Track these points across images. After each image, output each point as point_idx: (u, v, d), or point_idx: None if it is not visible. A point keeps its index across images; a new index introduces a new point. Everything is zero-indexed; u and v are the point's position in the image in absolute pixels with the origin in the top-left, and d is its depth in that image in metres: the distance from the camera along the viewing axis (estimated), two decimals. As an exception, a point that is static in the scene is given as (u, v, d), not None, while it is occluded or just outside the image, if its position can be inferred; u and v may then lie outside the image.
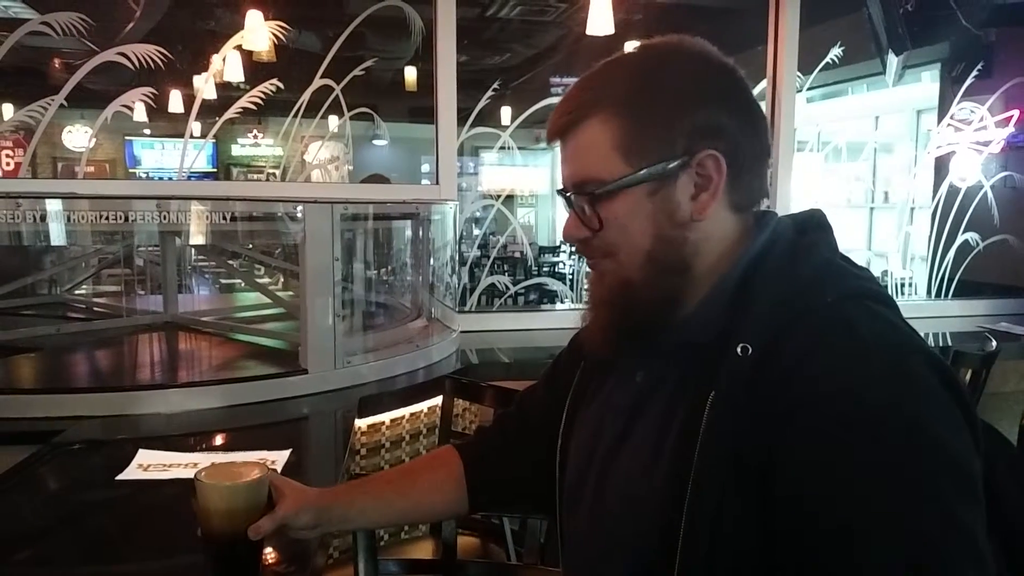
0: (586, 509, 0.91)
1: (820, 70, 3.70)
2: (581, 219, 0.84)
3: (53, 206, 2.05)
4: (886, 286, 3.85)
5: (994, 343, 2.46)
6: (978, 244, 3.78)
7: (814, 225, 0.83)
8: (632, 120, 0.80)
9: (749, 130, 0.81)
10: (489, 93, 3.35)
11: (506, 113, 6.67)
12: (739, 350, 0.73)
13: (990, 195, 3.78)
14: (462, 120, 3.17)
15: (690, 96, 0.80)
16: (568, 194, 0.84)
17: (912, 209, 4.04)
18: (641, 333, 0.85)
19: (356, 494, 1.12)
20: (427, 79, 3.18)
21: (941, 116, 4.10)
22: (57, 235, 2.09)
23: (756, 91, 3.52)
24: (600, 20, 3.38)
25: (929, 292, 3.89)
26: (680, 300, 0.83)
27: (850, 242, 7.53)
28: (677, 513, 0.74)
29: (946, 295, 3.83)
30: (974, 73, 3.87)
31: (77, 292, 3.65)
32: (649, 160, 0.79)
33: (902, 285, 3.96)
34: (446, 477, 1.11)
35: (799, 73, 3.47)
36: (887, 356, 0.70)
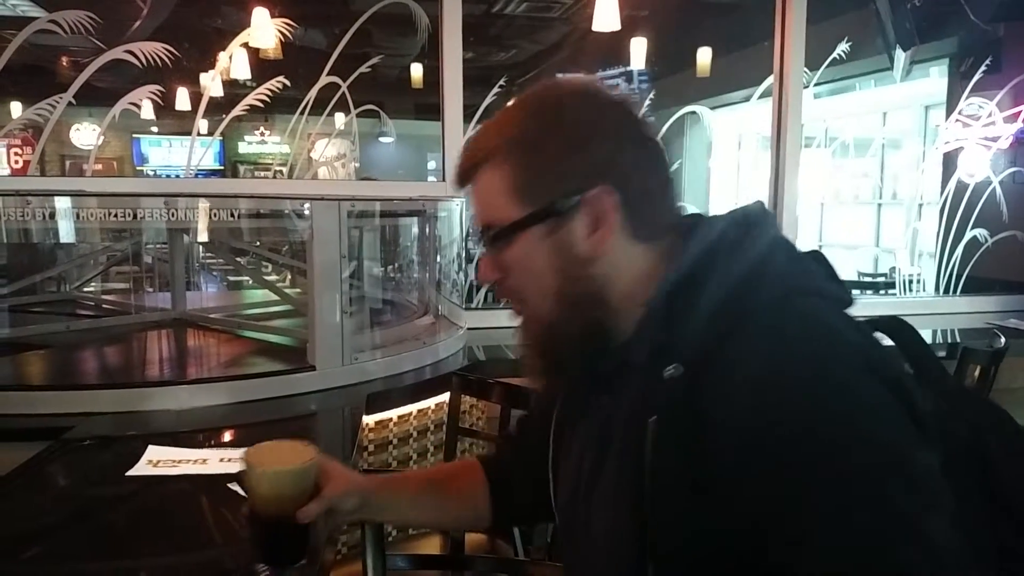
0: (576, 537, 0.92)
1: (827, 66, 3.69)
2: (490, 262, 0.86)
3: (62, 204, 2.06)
4: (892, 282, 3.86)
5: (1003, 340, 2.44)
6: (987, 240, 3.77)
7: (744, 224, 0.82)
8: (524, 163, 0.81)
9: (643, 163, 0.82)
10: (495, 90, 3.35)
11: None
12: (671, 370, 0.74)
13: (999, 191, 3.77)
14: (468, 117, 3.17)
15: (579, 136, 0.80)
16: (477, 238, 0.87)
17: (920, 205, 4.03)
18: (574, 368, 0.87)
19: (397, 488, 1.13)
20: (433, 76, 3.18)
21: (949, 112, 4.08)
22: (66, 232, 2.10)
23: (763, 87, 3.55)
24: (606, 16, 3.38)
25: (937, 288, 3.88)
26: (605, 329, 0.84)
27: (858, 238, 7.52)
28: (644, 541, 0.74)
29: (955, 291, 3.82)
30: (982, 68, 3.84)
31: (86, 289, 3.66)
32: (542, 201, 0.80)
33: (910, 282, 3.95)
34: (473, 492, 1.12)
35: (806, 69, 3.46)
36: (820, 364, 0.69)
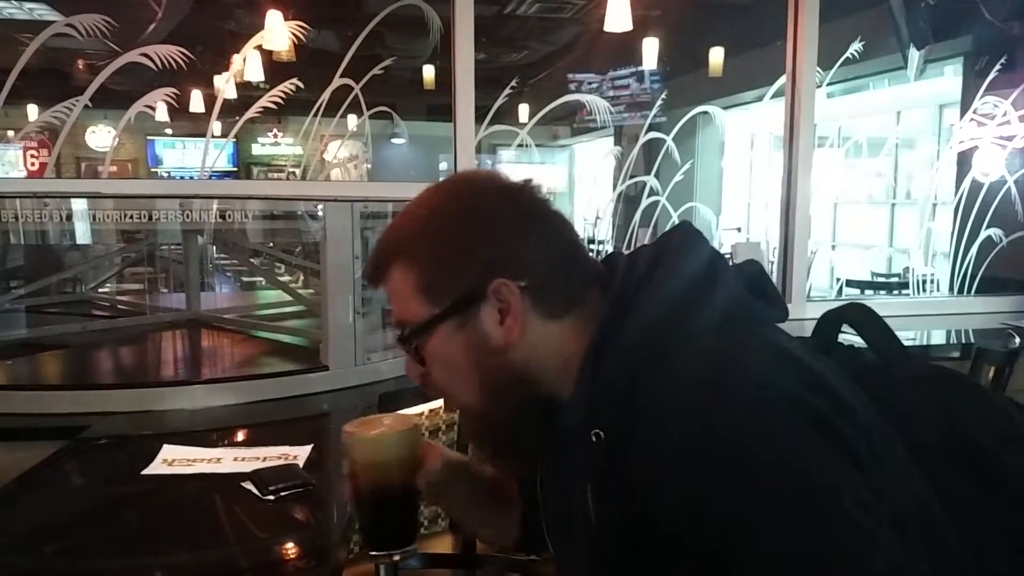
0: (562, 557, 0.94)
1: (840, 65, 3.67)
2: (410, 360, 0.87)
3: (79, 205, 2.08)
4: (906, 283, 3.84)
5: (1018, 340, 2.43)
6: (1001, 240, 3.74)
7: (653, 262, 0.80)
8: (424, 262, 0.82)
9: (543, 249, 0.82)
10: (507, 91, 3.36)
11: (524, 111, 6.67)
12: (593, 437, 0.74)
13: (1014, 190, 3.74)
14: (480, 118, 3.18)
15: (471, 233, 0.81)
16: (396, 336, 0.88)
17: (934, 205, 4.01)
18: (523, 446, 0.88)
19: (470, 477, 1.09)
20: (445, 77, 3.19)
21: (964, 110, 4.06)
22: (82, 234, 2.12)
23: (775, 87, 3.54)
24: (618, 16, 3.38)
25: (952, 289, 3.85)
26: (542, 404, 0.84)
27: (872, 239, 7.48)
28: None
29: (969, 291, 3.79)
30: (997, 67, 3.82)
31: (101, 290, 3.70)
32: (447, 298, 0.81)
33: (924, 282, 3.93)
34: (514, 510, 1.10)
35: (819, 68, 3.44)
36: (720, 409, 0.67)
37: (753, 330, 0.77)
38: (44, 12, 6.11)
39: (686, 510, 0.66)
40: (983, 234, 3.76)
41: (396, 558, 0.94)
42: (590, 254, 0.87)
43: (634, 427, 0.70)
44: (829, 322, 0.87)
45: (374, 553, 0.94)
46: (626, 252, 0.86)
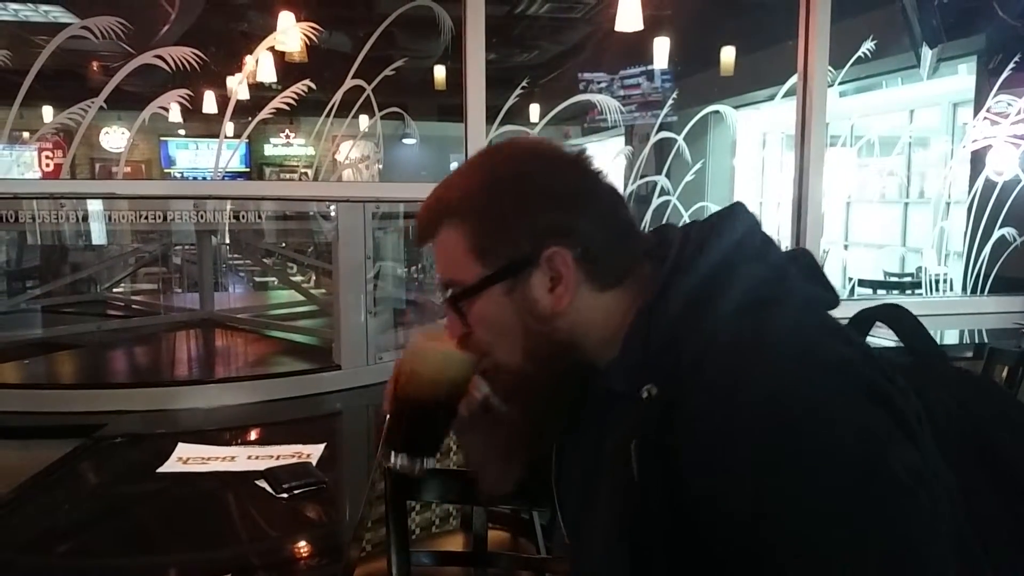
0: (579, 564, 0.93)
1: (852, 64, 3.66)
2: (455, 319, 0.87)
3: (94, 206, 2.11)
4: (919, 282, 3.81)
5: (1031, 340, 2.42)
6: (1015, 239, 3.71)
7: (707, 235, 0.80)
8: (480, 223, 0.82)
9: (598, 219, 0.82)
10: (518, 91, 3.36)
11: (535, 110, 6.68)
12: (644, 393, 0.74)
13: (1028, 189, 3.71)
14: (491, 118, 3.18)
15: (530, 197, 0.81)
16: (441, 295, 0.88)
17: (948, 204, 3.98)
18: (556, 412, 0.88)
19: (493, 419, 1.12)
20: (456, 77, 3.20)
21: (977, 109, 4.03)
22: (98, 235, 2.15)
23: (787, 86, 3.53)
24: (629, 16, 3.38)
25: (965, 288, 3.82)
26: (583, 373, 0.85)
27: (885, 238, 7.44)
28: (639, 565, 0.74)
29: (982, 291, 3.76)
30: (1011, 65, 3.79)
31: (116, 290, 3.73)
32: (500, 261, 0.81)
33: (938, 281, 3.90)
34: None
35: (831, 67, 3.43)
36: (786, 374, 0.67)
37: (808, 305, 0.77)
38: (59, 15, 6.15)
39: (725, 476, 0.66)
40: (996, 233, 3.74)
41: (418, 469, 0.94)
42: (641, 228, 0.87)
43: (688, 389, 0.70)
44: (862, 321, 0.87)
45: (402, 464, 0.93)
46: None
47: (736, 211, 0.83)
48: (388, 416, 0.94)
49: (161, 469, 1.57)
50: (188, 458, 1.62)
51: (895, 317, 0.83)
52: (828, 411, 0.66)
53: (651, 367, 0.75)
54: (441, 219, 0.85)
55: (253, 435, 1.86)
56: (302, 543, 1.34)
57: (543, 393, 0.86)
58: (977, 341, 3.04)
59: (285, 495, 1.42)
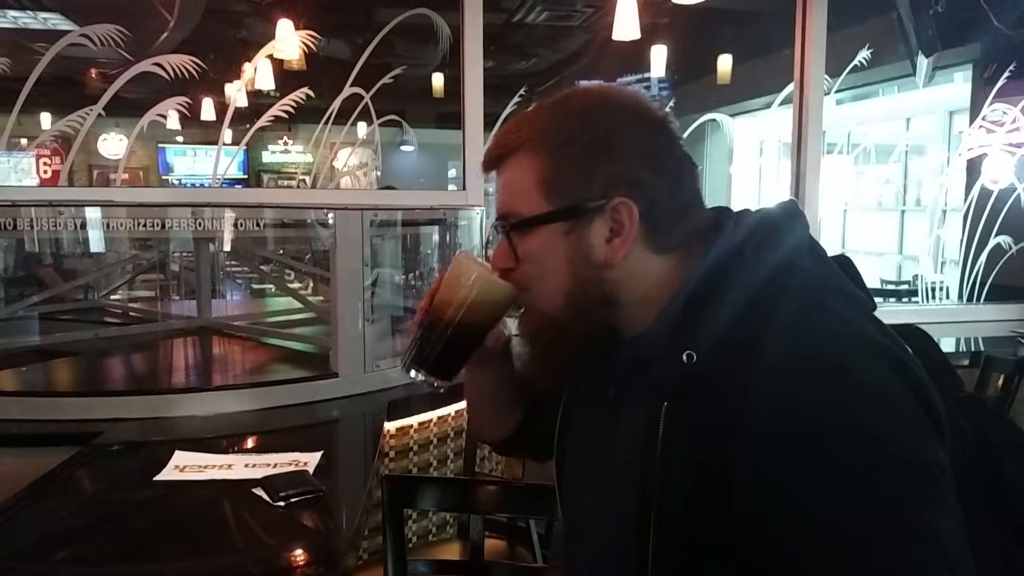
0: (578, 528, 0.94)
1: (849, 72, 3.68)
2: (505, 250, 0.87)
3: (92, 214, 2.11)
4: (916, 290, 3.82)
5: (1027, 348, 2.42)
6: (1011, 247, 3.72)
7: (770, 225, 0.82)
8: (554, 160, 0.82)
9: (670, 183, 0.82)
10: (516, 98, 3.37)
11: (533, 118, 6.69)
12: (684, 358, 0.74)
13: (1023, 197, 3.73)
14: (489, 125, 3.20)
15: (610, 144, 0.81)
16: (496, 224, 0.88)
17: (944, 212, 3.99)
18: (574, 364, 0.88)
19: (508, 364, 1.08)
20: (454, 85, 3.21)
21: (973, 117, 4.04)
22: (95, 242, 2.15)
23: (783, 94, 3.54)
24: (626, 25, 3.39)
25: (961, 296, 3.83)
26: (612, 330, 0.85)
27: (881, 245, 7.45)
28: (647, 527, 0.75)
29: (979, 299, 3.77)
30: (1006, 74, 3.81)
31: (113, 297, 3.73)
32: (566, 200, 0.81)
33: (934, 289, 3.91)
34: (518, 411, 1.11)
35: (827, 76, 3.45)
36: (833, 354, 0.69)
37: (856, 301, 0.78)
38: (58, 22, 6.17)
39: (765, 441, 0.67)
40: (992, 241, 3.75)
41: (436, 385, 0.94)
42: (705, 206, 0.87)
43: (735, 358, 0.71)
44: None
45: (423, 377, 0.93)
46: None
47: (795, 211, 0.85)
48: (418, 328, 0.94)
49: (158, 477, 1.57)
50: (185, 466, 1.62)
51: (915, 337, 0.84)
52: (880, 396, 0.68)
53: (693, 337, 0.75)
54: (517, 147, 0.84)
55: (250, 443, 1.86)
56: (299, 551, 1.34)
57: (569, 342, 0.86)
58: (973, 349, 3.05)
59: (282, 503, 1.42)
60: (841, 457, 0.65)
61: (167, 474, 1.58)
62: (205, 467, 1.61)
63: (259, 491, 1.47)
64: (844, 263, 0.84)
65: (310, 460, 1.64)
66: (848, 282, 0.80)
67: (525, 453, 1.22)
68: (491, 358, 0.99)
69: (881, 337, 0.72)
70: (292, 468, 1.59)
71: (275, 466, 1.60)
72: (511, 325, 0.97)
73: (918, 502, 0.64)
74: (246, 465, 1.62)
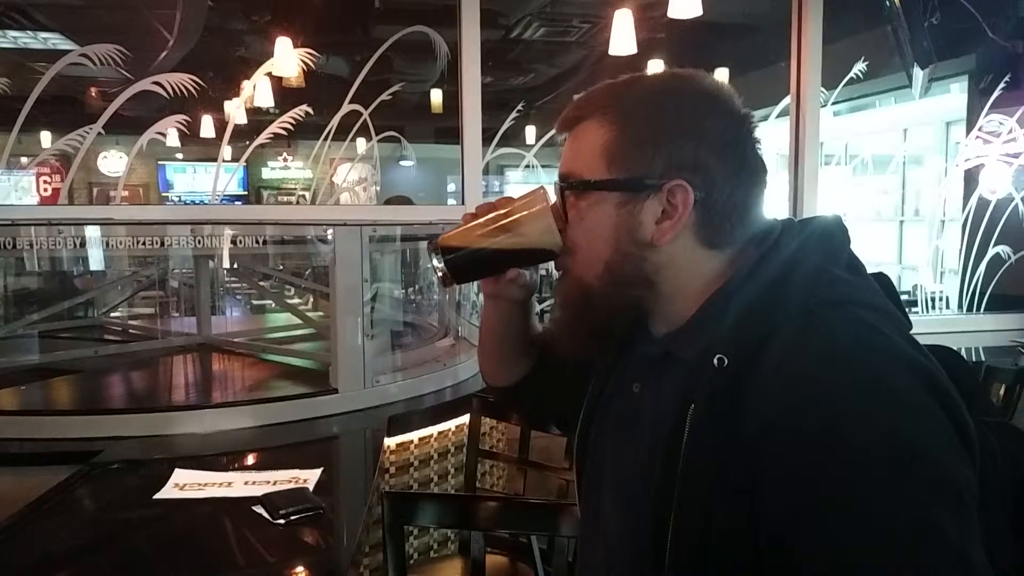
0: (595, 509, 0.93)
1: (845, 84, 3.70)
2: (558, 211, 0.87)
3: (91, 232, 2.11)
4: (915, 300, 3.83)
5: (1028, 358, 2.42)
6: (1010, 257, 3.73)
7: (816, 236, 0.83)
8: (623, 131, 0.82)
9: (736, 179, 0.82)
10: (514, 113, 3.39)
11: (531, 132, 6.72)
12: (716, 361, 0.74)
13: (1021, 207, 3.73)
14: (487, 140, 3.21)
15: (683, 127, 0.81)
16: (555, 183, 0.88)
17: (943, 222, 4.00)
18: (603, 334, 0.88)
19: (528, 311, 1.09)
20: (452, 101, 3.23)
21: (969, 128, 4.06)
22: (95, 260, 2.15)
23: (780, 107, 3.56)
24: (623, 40, 3.41)
25: (961, 306, 3.84)
26: (644, 313, 0.86)
27: (880, 256, 7.46)
28: (665, 528, 0.74)
29: (978, 309, 3.78)
30: (1002, 85, 3.83)
31: (113, 315, 3.73)
32: (625, 172, 0.81)
33: (934, 299, 3.91)
34: (526, 365, 1.11)
35: (823, 88, 3.46)
36: (867, 366, 0.69)
37: (894, 318, 0.78)
38: (58, 42, 6.21)
39: (789, 448, 0.67)
40: (991, 251, 3.75)
41: (441, 276, 0.92)
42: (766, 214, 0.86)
43: (766, 364, 0.71)
44: None
45: (439, 263, 0.91)
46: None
47: (843, 225, 0.85)
48: (467, 218, 0.93)
49: (158, 495, 1.56)
50: (185, 484, 1.61)
51: (945, 356, 0.82)
52: (914, 414, 0.67)
53: (729, 336, 0.75)
54: (593, 113, 0.84)
55: (250, 460, 1.86)
56: (300, 569, 1.34)
57: (597, 313, 0.86)
58: (974, 359, 3.04)
59: (282, 521, 1.42)
60: (870, 473, 0.65)
61: (167, 492, 1.58)
62: (205, 485, 1.61)
63: (259, 509, 1.47)
64: (883, 281, 0.83)
65: (310, 477, 1.63)
66: (885, 299, 0.80)
67: (517, 408, 1.24)
68: (503, 297, 1.00)
69: (917, 355, 0.72)
70: (292, 485, 1.58)
71: (275, 483, 1.59)
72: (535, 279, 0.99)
73: (947, 523, 0.63)
74: (246, 483, 1.61)
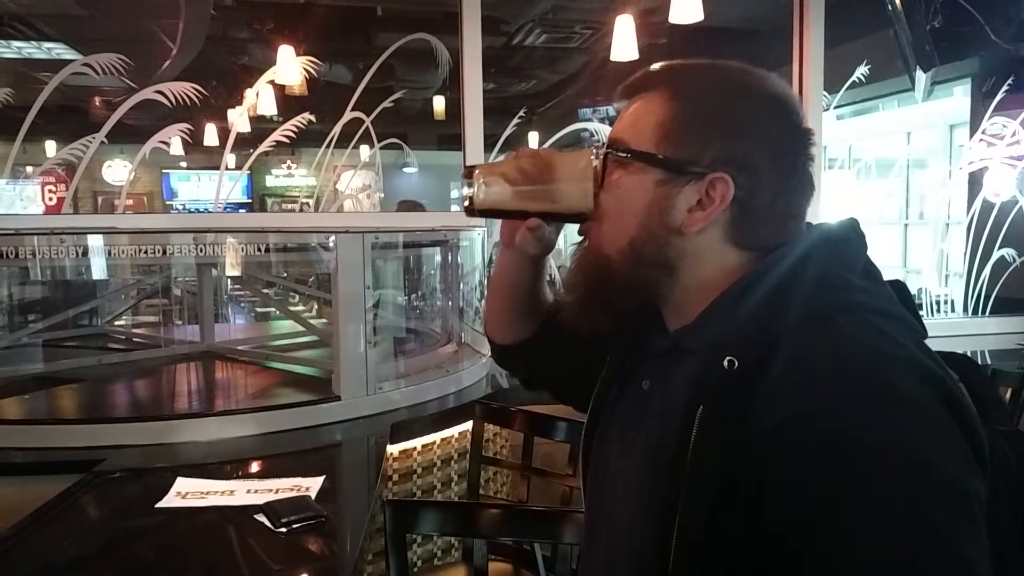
0: (599, 508, 0.93)
1: (848, 88, 3.69)
2: (597, 175, 0.87)
3: (95, 241, 2.12)
4: (921, 304, 3.81)
5: (1033, 361, 2.41)
6: (1014, 260, 3.72)
7: (831, 239, 0.82)
8: (685, 112, 0.82)
9: (782, 188, 0.81)
10: (516, 120, 3.39)
11: (533, 139, 6.74)
12: (726, 363, 0.73)
13: (1025, 210, 3.73)
14: (489, 146, 3.22)
15: (742, 126, 0.81)
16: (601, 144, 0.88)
17: (947, 225, 3.99)
18: (612, 309, 0.88)
19: (541, 269, 1.09)
20: (454, 107, 3.23)
21: (973, 131, 4.06)
22: (99, 269, 2.15)
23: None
24: (624, 46, 3.42)
25: (966, 309, 3.82)
26: (657, 294, 0.85)
27: (885, 259, 7.45)
28: (669, 529, 0.74)
29: (983, 312, 3.76)
30: (1004, 87, 3.82)
31: (117, 323, 3.73)
32: (673, 153, 0.81)
33: (939, 302, 3.90)
34: (532, 327, 1.12)
35: (826, 92, 3.46)
36: (878, 373, 0.68)
37: (910, 326, 0.77)
38: (62, 51, 6.24)
39: (795, 453, 0.66)
40: (996, 254, 3.75)
41: (467, 204, 0.92)
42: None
43: (775, 367, 0.71)
44: None
45: (471, 189, 0.91)
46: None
47: (859, 229, 0.84)
48: (513, 155, 0.92)
49: (160, 504, 1.56)
50: (187, 492, 1.61)
51: (961, 364, 0.82)
52: (925, 422, 0.66)
53: (740, 338, 0.75)
54: (658, 85, 0.84)
55: (253, 468, 1.85)
56: (302, 577, 1.33)
57: (611, 287, 0.85)
58: (980, 362, 3.03)
59: (284, 529, 1.42)
60: (878, 481, 0.64)
61: (169, 501, 1.57)
62: (207, 493, 1.61)
63: (261, 517, 1.46)
64: (899, 288, 0.83)
65: (312, 485, 1.63)
66: (900, 306, 0.79)
67: (514, 370, 1.24)
68: (519, 248, 0.98)
69: (930, 364, 0.71)
70: (294, 493, 1.58)
71: (277, 492, 1.59)
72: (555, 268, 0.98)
73: (954, 533, 0.63)
74: (248, 491, 1.61)
